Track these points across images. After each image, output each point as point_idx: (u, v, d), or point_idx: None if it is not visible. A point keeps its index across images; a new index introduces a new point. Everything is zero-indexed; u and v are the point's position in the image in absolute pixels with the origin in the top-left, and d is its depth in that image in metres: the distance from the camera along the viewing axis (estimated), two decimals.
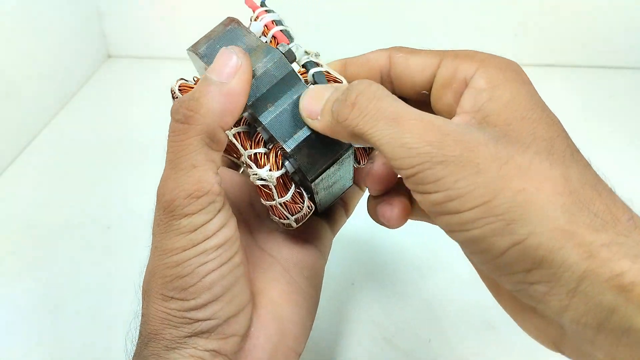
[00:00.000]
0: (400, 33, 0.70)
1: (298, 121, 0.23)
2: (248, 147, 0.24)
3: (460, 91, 0.21)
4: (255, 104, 0.23)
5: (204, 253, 0.20)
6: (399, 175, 0.23)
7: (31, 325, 0.38)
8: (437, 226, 0.19)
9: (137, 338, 0.22)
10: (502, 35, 0.69)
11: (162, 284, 0.21)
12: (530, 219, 0.16)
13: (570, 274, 0.15)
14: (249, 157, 0.23)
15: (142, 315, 0.22)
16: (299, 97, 0.23)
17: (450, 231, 0.18)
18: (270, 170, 0.23)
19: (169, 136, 0.21)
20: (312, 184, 0.24)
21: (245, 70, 0.21)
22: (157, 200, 0.21)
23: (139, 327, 0.22)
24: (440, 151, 0.17)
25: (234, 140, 0.24)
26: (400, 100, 0.19)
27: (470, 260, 0.20)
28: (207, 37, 0.24)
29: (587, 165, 0.18)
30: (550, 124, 0.18)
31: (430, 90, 0.23)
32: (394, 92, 0.21)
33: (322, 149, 0.23)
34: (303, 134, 0.23)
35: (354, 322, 0.37)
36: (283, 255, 0.27)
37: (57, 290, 0.40)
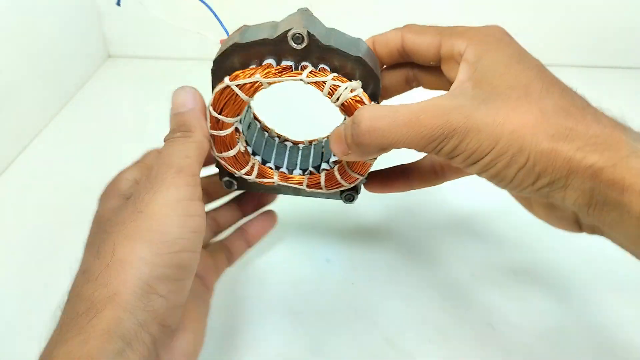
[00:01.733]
0: None
1: None
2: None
3: (458, 63, 0.26)
4: None
5: (184, 227, 0.24)
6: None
7: (31, 325, 0.38)
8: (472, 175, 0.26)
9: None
10: None
11: (139, 245, 0.23)
12: (524, 149, 0.22)
13: (560, 176, 0.22)
14: None
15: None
16: None
17: (478, 173, 0.24)
18: None
19: (168, 140, 0.28)
20: None
21: (198, 95, 0.30)
22: (147, 172, 0.26)
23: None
24: (449, 128, 0.23)
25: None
26: (394, 105, 0.24)
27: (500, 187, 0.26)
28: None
29: (562, 93, 0.24)
30: (525, 72, 0.24)
31: (439, 61, 0.28)
32: (412, 62, 0.30)
33: None
34: None
35: (354, 322, 0.37)
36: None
37: (57, 291, 0.40)
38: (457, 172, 0.32)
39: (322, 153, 0.36)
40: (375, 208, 0.45)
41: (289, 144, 0.38)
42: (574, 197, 0.22)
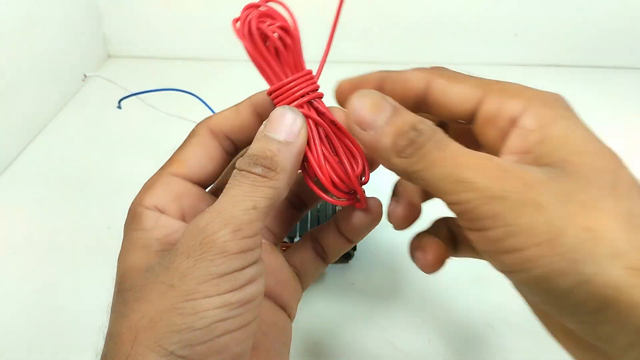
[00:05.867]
0: (400, 32, 0.70)
1: None
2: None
3: (506, 130, 0.20)
4: None
5: (225, 307, 0.18)
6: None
7: (31, 325, 0.38)
8: (493, 267, 0.18)
9: None
10: (502, 35, 0.69)
11: (165, 332, 0.17)
12: (597, 258, 0.15)
13: (639, 313, 0.15)
14: None
15: None
16: None
17: (510, 272, 0.17)
18: None
19: (239, 173, 0.20)
20: None
21: (306, 130, 0.22)
22: (192, 227, 0.19)
23: None
24: (500, 186, 0.17)
25: None
26: (457, 143, 0.19)
27: (527, 300, 0.20)
28: None
29: None
30: (610, 156, 0.18)
31: (471, 120, 0.22)
32: (430, 114, 0.22)
33: None
34: None
35: (354, 323, 0.37)
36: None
37: (57, 291, 0.40)
38: (469, 250, 0.25)
39: (318, 217, 0.40)
40: None
41: None
42: None
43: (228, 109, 0.24)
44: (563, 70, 0.71)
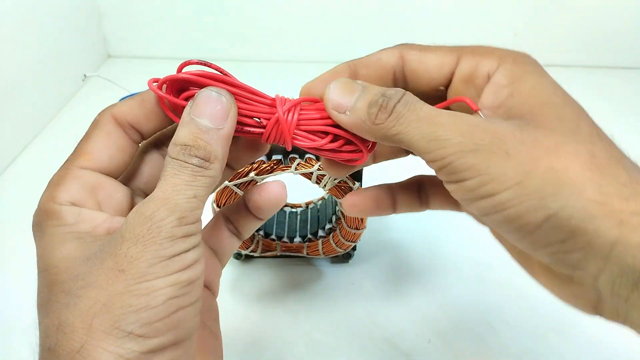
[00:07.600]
0: (399, 32, 0.70)
1: None
2: None
3: (482, 87, 0.22)
4: None
5: (176, 285, 0.19)
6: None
7: (31, 325, 0.38)
8: (469, 213, 0.21)
9: None
10: (502, 35, 0.69)
11: (121, 314, 0.18)
12: (561, 194, 0.17)
13: (604, 240, 0.17)
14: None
15: None
16: None
17: (485, 214, 0.19)
18: None
19: (176, 162, 0.20)
20: None
21: (235, 112, 0.22)
22: (139, 214, 0.19)
23: None
24: (471, 140, 0.18)
25: None
26: (427, 104, 0.20)
27: (502, 242, 0.23)
28: None
29: (611, 142, 0.19)
30: (574, 106, 0.20)
31: (448, 85, 0.23)
32: (408, 89, 0.23)
33: None
34: None
35: (354, 322, 0.37)
36: None
37: None
38: (442, 202, 0.27)
39: (318, 217, 0.41)
40: None
41: (287, 210, 0.42)
42: (614, 273, 0.17)
43: (132, 97, 0.24)
44: (563, 70, 0.71)
